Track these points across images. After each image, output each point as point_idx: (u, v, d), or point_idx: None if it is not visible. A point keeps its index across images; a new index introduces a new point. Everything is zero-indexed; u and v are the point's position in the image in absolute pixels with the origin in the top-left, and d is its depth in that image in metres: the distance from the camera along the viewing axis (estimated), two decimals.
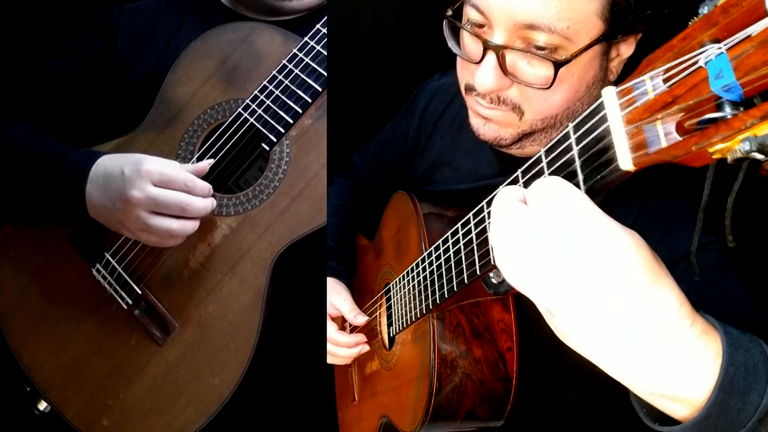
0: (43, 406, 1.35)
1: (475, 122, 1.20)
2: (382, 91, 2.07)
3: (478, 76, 1.08)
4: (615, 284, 0.61)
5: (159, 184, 1.21)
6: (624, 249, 0.61)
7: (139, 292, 1.29)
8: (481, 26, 1.07)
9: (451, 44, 1.14)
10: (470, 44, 1.12)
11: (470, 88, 1.15)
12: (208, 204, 1.24)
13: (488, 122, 1.17)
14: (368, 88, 2.15)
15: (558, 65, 1.02)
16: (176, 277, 1.29)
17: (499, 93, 1.11)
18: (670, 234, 1.04)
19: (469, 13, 1.08)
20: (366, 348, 1.49)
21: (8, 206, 1.40)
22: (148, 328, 1.29)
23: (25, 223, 1.43)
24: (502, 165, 1.33)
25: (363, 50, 2.14)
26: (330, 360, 1.49)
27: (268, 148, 1.27)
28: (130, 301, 1.30)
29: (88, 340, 1.33)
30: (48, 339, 1.36)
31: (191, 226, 1.24)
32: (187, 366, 1.27)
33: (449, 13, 1.12)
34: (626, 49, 1.11)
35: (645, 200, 1.11)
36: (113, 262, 1.31)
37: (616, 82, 1.14)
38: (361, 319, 1.46)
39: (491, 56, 1.05)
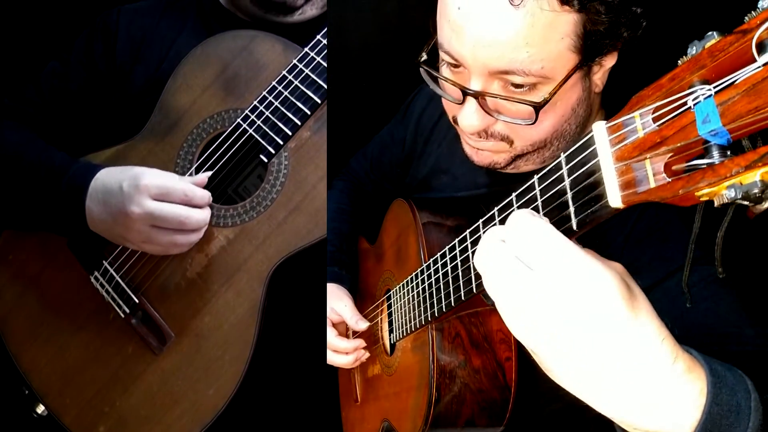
0: (41, 409, 1.35)
1: (467, 150, 1.21)
2: (381, 101, 2.07)
3: (461, 118, 1.08)
4: (595, 324, 0.62)
5: (158, 198, 1.20)
6: (604, 287, 0.62)
7: (137, 301, 1.29)
8: (457, 66, 1.06)
9: (432, 86, 1.15)
10: (449, 87, 1.11)
11: (456, 122, 1.15)
12: (206, 215, 1.24)
13: (480, 151, 1.18)
14: (367, 98, 2.15)
15: (537, 108, 1.01)
16: (173, 287, 1.29)
17: (486, 129, 1.11)
18: (665, 244, 1.04)
19: (444, 57, 1.08)
20: (366, 356, 1.50)
21: (6, 214, 1.40)
22: (145, 337, 1.29)
23: (24, 230, 1.43)
24: (499, 175, 1.32)
25: (362, 59, 2.13)
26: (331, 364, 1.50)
27: (266, 160, 1.26)
28: (128, 310, 1.29)
29: (86, 347, 1.34)
30: (46, 344, 1.36)
31: (195, 236, 1.25)
32: (182, 376, 1.27)
33: (423, 58, 1.12)
34: (609, 60, 1.09)
35: (642, 209, 1.10)
36: (111, 271, 1.31)
37: (604, 91, 1.14)
38: (362, 325, 1.46)
39: (472, 100, 1.06)
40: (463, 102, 1.07)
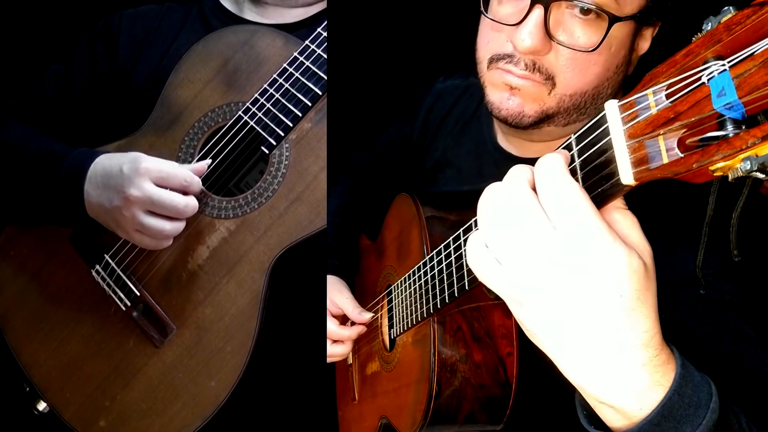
0: (42, 406, 1.35)
1: (497, 97, 1.18)
2: (381, 94, 2.07)
3: (520, 34, 1.07)
4: (593, 300, 0.63)
5: (158, 182, 1.21)
6: (617, 271, 0.63)
7: (138, 293, 1.29)
8: None
9: (483, 9, 1.14)
10: (508, 7, 1.11)
11: (498, 58, 1.14)
12: (197, 205, 1.24)
13: (514, 94, 1.15)
14: (368, 91, 2.15)
15: (612, 19, 1.02)
16: (174, 280, 1.29)
17: (536, 58, 1.09)
18: (667, 257, 1.03)
19: None
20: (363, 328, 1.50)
21: (9, 206, 1.41)
22: (146, 329, 1.29)
23: (26, 223, 1.43)
24: (505, 166, 1.32)
25: (363, 53, 2.13)
26: (330, 358, 1.49)
27: (267, 152, 1.26)
28: (129, 303, 1.29)
29: (87, 341, 1.33)
30: (47, 339, 1.36)
31: (181, 225, 1.25)
32: (184, 368, 1.27)
33: None
34: (644, 44, 1.13)
35: (649, 217, 1.09)
36: (113, 264, 1.31)
37: (629, 78, 1.15)
38: (366, 316, 1.45)
39: (537, 12, 1.05)
40: (524, 18, 1.06)
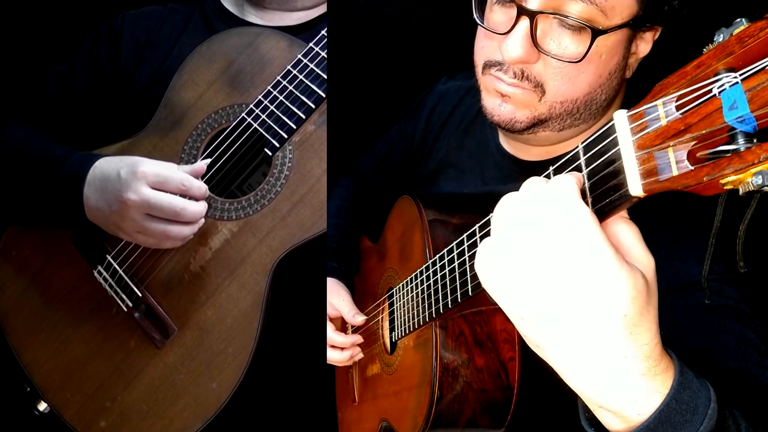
0: (42, 406, 1.35)
1: (490, 103, 1.18)
2: (382, 96, 2.07)
3: (506, 44, 1.06)
4: (597, 321, 0.64)
5: (155, 186, 1.21)
6: (621, 295, 0.63)
7: (140, 294, 1.29)
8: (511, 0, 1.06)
9: (476, 15, 1.14)
10: (499, 15, 1.11)
11: (490, 65, 1.14)
12: (202, 208, 1.24)
13: (505, 102, 1.15)
14: (368, 93, 2.15)
15: (596, 33, 1.01)
16: (176, 281, 1.29)
17: (524, 67, 1.09)
18: (670, 263, 1.03)
19: None
20: (360, 356, 1.50)
21: (9, 209, 1.41)
22: (148, 330, 1.28)
23: (27, 225, 1.43)
24: (507, 168, 1.32)
25: (364, 55, 2.13)
26: (328, 361, 1.49)
27: (270, 154, 1.26)
28: (131, 304, 1.29)
29: (88, 341, 1.33)
30: (48, 340, 1.36)
31: (189, 230, 1.24)
32: (185, 369, 1.27)
33: None
34: (644, 47, 1.12)
35: (653, 223, 1.07)
36: (114, 264, 1.31)
37: (630, 80, 1.15)
38: (359, 319, 1.46)
39: (524, 23, 1.04)
40: (512, 29, 1.06)
